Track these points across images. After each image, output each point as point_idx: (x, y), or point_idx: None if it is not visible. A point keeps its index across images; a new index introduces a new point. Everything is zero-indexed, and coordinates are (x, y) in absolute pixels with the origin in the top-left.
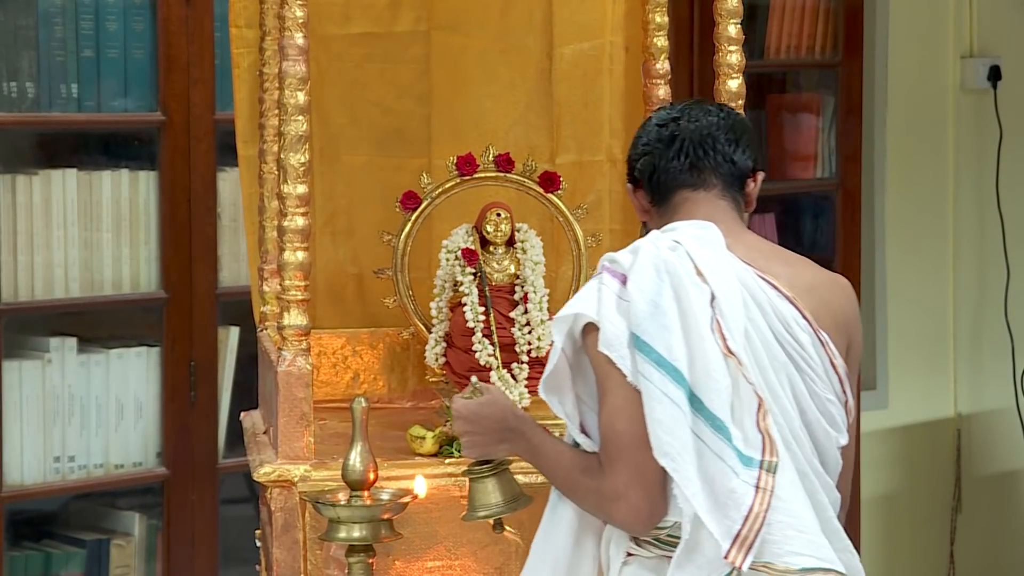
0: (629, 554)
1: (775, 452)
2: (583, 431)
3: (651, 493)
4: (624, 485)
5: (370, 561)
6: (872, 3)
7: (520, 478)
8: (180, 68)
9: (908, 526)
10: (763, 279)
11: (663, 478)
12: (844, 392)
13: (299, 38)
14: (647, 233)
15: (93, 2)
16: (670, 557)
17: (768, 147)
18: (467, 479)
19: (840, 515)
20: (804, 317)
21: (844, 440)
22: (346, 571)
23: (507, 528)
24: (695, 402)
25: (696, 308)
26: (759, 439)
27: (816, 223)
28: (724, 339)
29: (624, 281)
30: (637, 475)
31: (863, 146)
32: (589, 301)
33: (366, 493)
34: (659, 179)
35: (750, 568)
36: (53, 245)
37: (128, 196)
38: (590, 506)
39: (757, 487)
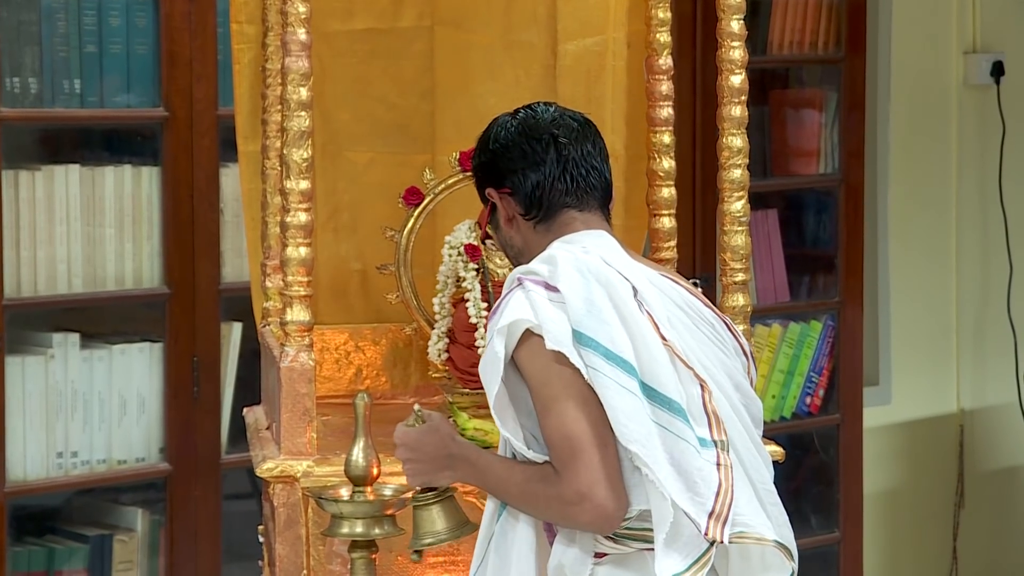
0: (599, 555)
1: (723, 431)
2: (528, 445)
3: (614, 488)
4: (587, 485)
5: (372, 557)
6: None
7: None
8: (183, 64)
9: (911, 522)
10: (663, 275)
11: (622, 473)
12: (749, 372)
13: (302, 34)
14: (485, 240)
15: None
16: (644, 548)
17: (771, 143)
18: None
19: None
20: (707, 305)
21: (761, 407)
22: (349, 567)
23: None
24: (647, 390)
25: (627, 300)
26: (706, 420)
27: (819, 219)
28: (657, 327)
29: (548, 287)
30: (598, 472)
31: (866, 142)
32: (522, 308)
33: (369, 489)
34: (542, 197)
35: (729, 541)
36: (56, 240)
37: (131, 192)
38: (552, 515)
39: (718, 464)
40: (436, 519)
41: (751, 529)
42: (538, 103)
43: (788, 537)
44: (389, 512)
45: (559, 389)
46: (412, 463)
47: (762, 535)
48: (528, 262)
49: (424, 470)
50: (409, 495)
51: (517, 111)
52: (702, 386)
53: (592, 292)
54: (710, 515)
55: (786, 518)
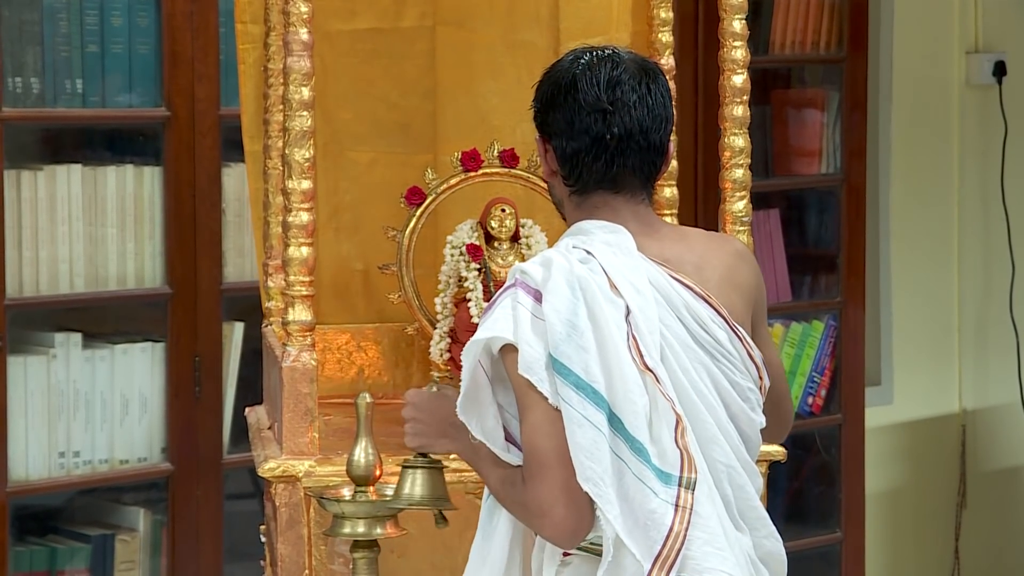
0: (566, 554)
1: (693, 468)
2: (510, 442)
3: (577, 509)
4: (548, 503)
5: (374, 556)
6: None
7: None
8: (185, 63)
9: (913, 522)
10: (676, 280)
11: (588, 494)
12: (761, 377)
13: (304, 34)
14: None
15: None
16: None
17: (773, 143)
18: (400, 467)
19: (782, 433)
20: (719, 314)
21: (763, 422)
22: (350, 566)
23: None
24: (615, 422)
25: (612, 326)
26: (677, 456)
27: (821, 219)
28: (641, 355)
29: (538, 298)
30: (561, 491)
31: (868, 142)
32: (505, 322)
33: (371, 488)
34: (581, 172)
35: None
36: (58, 240)
37: (133, 191)
38: (520, 519)
39: (676, 505)
40: (416, 485)
41: (698, 574)
42: (608, 51)
43: (773, 549)
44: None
45: (534, 403)
46: (415, 423)
47: None
48: (565, 217)
49: (425, 432)
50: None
51: (581, 57)
52: (677, 421)
53: (577, 314)
54: (656, 558)
55: (771, 529)
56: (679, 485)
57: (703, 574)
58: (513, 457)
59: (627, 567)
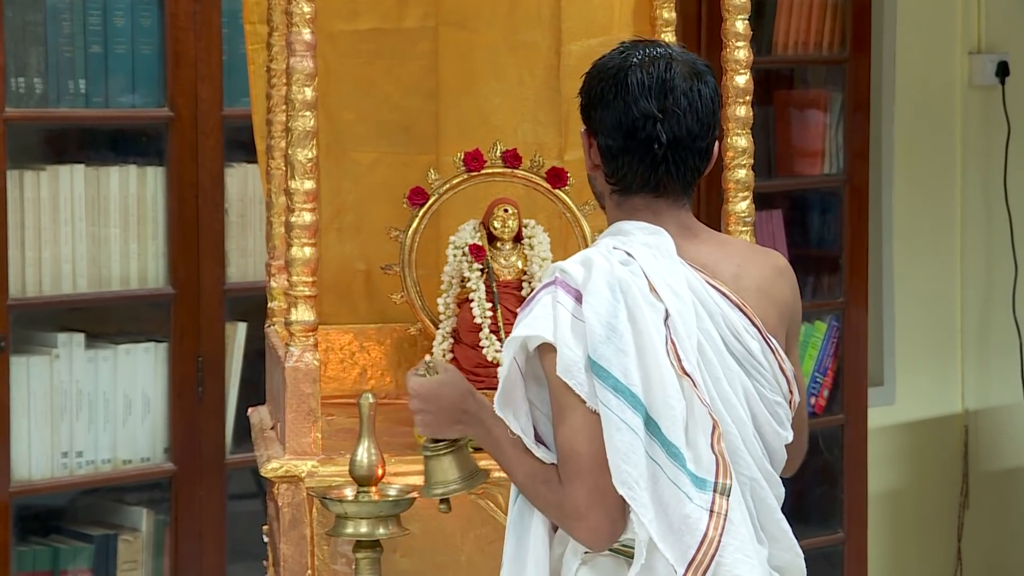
0: (586, 553)
1: (728, 475)
2: (539, 441)
3: (611, 514)
4: (585, 506)
5: (377, 556)
6: None
7: None
8: (188, 64)
9: (915, 522)
10: (713, 287)
11: (622, 498)
12: (791, 392)
13: (307, 34)
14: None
15: None
16: (626, 558)
17: (776, 143)
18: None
19: (793, 466)
20: (753, 324)
21: (789, 437)
22: (353, 567)
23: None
24: (651, 426)
25: (651, 329)
26: (713, 461)
27: (824, 219)
28: (679, 359)
29: (578, 298)
30: (597, 496)
31: (871, 142)
32: (545, 322)
33: (373, 489)
34: (626, 174)
35: None
36: (61, 241)
37: (136, 192)
38: (550, 516)
39: (711, 511)
40: (448, 469)
41: None
42: (660, 50)
43: (792, 563)
44: (393, 512)
45: (574, 405)
46: (424, 414)
47: None
48: (604, 210)
49: (435, 422)
50: (413, 495)
51: (633, 56)
52: (714, 426)
53: (617, 316)
54: (689, 564)
55: (792, 541)
56: (714, 491)
57: None
58: (541, 453)
59: (659, 571)
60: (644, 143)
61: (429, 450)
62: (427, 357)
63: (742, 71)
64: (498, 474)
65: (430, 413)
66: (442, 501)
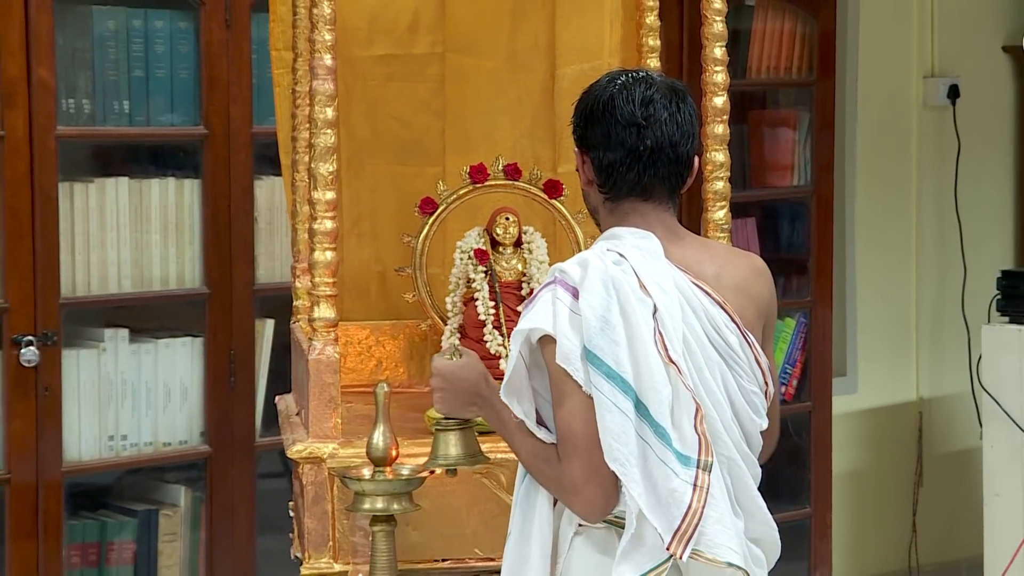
0: (580, 525)
1: (710, 452)
2: (541, 423)
3: (605, 488)
4: (581, 481)
5: (392, 529)
6: (844, 28)
7: None
8: (221, 86)
9: (875, 499)
10: (696, 286)
11: (615, 474)
12: (766, 383)
13: (327, 59)
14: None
15: (143, 27)
16: (617, 528)
17: (750, 158)
18: (434, 430)
19: (769, 448)
20: (732, 320)
21: (765, 424)
22: (370, 538)
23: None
24: (641, 408)
25: (640, 322)
26: (696, 440)
27: (793, 227)
28: (666, 349)
29: (575, 295)
30: (592, 472)
31: (835, 157)
32: (546, 316)
33: (388, 469)
34: (616, 180)
35: (687, 559)
36: (107, 245)
37: (174, 202)
38: (550, 490)
39: (695, 485)
40: (451, 445)
41: (709, 550)
42: (642, 74)
43: (767, 535)
44: (406, 490)
45: (571, 391)
46: (443, 392)
47: (716, 556)
48: (599, 223)
49: (452, 400)
50: (424, 475)
51: (617, 79)
52: (697, 409)
53: (610, 310)
54: (675, 532)
55: (767, 516)
56: (697, 467)
57: (714, 548)
58: (543, 434)
59: (647, 539)
60: (631, 149)
61: (440, 425)
62: (454, 342)
63: (720, 93)
64: (500, 455)
65: (448, 392)
66: (448, 469)
